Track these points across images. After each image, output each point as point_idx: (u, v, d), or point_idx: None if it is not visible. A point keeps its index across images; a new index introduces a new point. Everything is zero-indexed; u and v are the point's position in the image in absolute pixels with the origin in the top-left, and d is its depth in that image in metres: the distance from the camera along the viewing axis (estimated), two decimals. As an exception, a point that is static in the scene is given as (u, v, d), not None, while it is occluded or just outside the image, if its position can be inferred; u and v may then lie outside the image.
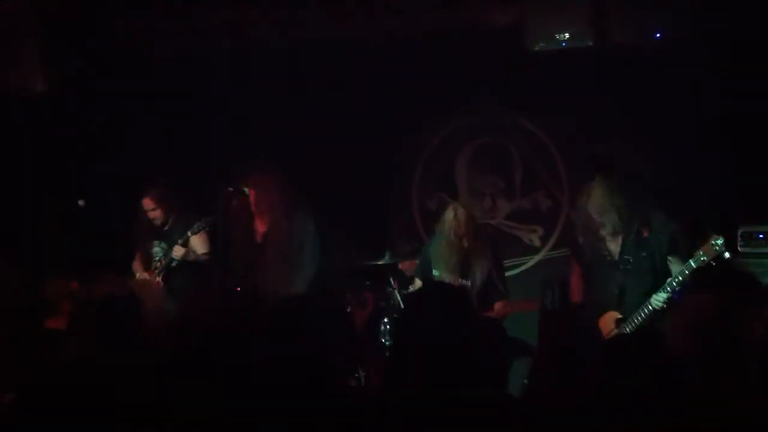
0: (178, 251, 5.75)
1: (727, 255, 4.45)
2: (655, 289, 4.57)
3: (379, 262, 5.69)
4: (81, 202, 5.44)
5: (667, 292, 4.51)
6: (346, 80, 6.68)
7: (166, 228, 5.95)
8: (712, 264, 4.41)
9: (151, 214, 5.90)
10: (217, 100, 6.63)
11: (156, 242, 5.95)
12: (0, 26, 5.66)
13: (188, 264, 5.82)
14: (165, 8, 6.24)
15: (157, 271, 5.85)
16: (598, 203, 4.77)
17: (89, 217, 5.65)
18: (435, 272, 5.28)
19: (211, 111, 6.69)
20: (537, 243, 6.77)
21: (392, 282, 5.57)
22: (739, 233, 5.60)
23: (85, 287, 4.08)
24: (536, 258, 6.75)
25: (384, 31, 6.37)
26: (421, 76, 6.61)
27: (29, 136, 6.40)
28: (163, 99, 6.70)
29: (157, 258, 5.92)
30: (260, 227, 5.48)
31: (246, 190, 5.36)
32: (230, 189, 5.35)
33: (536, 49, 5.63)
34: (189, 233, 5.75)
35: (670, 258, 4.71)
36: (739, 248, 5.54)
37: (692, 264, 4.46)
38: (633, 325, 4.60)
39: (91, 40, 6.12)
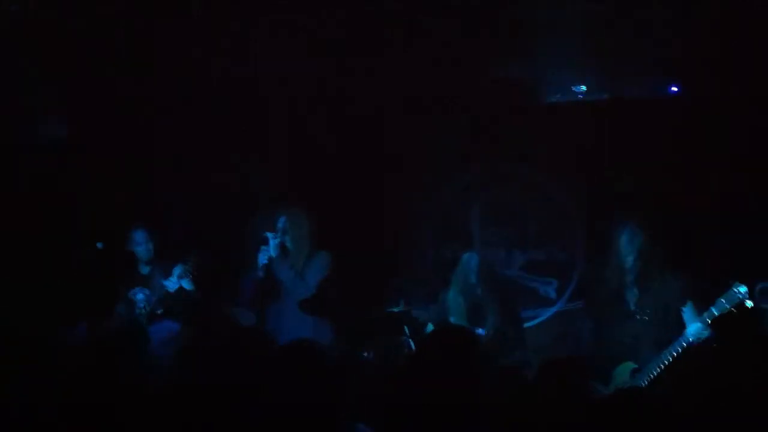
0: (172, 284, 5.61)
1: (749, 303, 4.41)
2: (670, 340, 4.53)
3: (394, 310, 5.68)
4: (99, 245, 5.47)
5: (687, 341, 4.47)
6: (365, 129, 6.77)
7: (149, 271, 5.87)
8: (733, 312, 4.37)
9: (143, 248, 5.80)
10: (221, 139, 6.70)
11: (138, 289, 5.82)
12: (24, 74, 5.79)
13: (178, 311, 5.70)
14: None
15: (142, 317, 5.69)
16: (622, 248, 4.77)
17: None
18: (451, 319, 5.29)
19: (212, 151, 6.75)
20: (552, 295, 6.74)
21: (406, 330, 5.55)
22: (756, 289, 5.56)
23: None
24: (552, 310, 6.71)
25: (403, 83, 6.45)
26: (440, 127, 6.68)
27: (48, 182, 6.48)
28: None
29: (141, 305, 5.77)
30: (296, 268, 5.38)
31: (282, 231, 5.34)
32: (272, 234, 5.31)
33: (553, 101, 5.69)
34: (177, 277, 5.61)
35: (685, 310, 4.68)
36: (757, 304, 5.49)
37: (714, 311, 4.42)
38: (649, 375, 4.55)
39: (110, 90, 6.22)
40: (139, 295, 5.82)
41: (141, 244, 5.83)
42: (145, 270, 5.87)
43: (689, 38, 5.44)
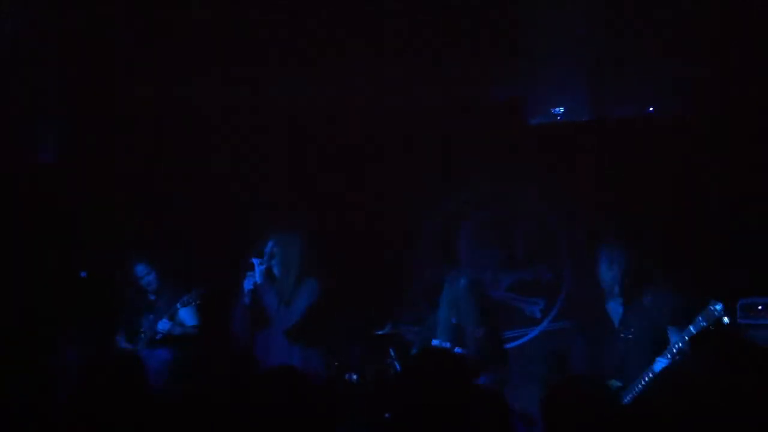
0: (164, 325, 5.68)
1: (726, 320, 4.46)
2: (655, 358, 4.57)
3: (381, 332, 5.71)
4: (83, 274, 5.47)
5: (667, 358, 4.51)
6: (349, 152, 6.82)
7: (153, 299, 5.89)
8: (711, 329, 4.42)
9: (146, 280, 5.86)
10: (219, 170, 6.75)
11: (143, 314, 5.87)
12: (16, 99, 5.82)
13: (174, 338, 5.73)
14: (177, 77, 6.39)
15: (141, 343, 5.75)
16: (605, 268, 4.82)
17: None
18: (437, 340, 5.29)
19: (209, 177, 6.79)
20: (538, 315, 6.78)
21: (392, 352, 5.58)
22: (738, 305, 5.61)
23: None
24: (537, 330, 6.75)
25: (387, 107, 6.52)
26: (424, 150, 6.74)
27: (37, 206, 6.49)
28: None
29: (143, 330, 5.81)
30: (282, 294, 5.32)
31: (269, 256, 5.27)
32: (257, 260, 5.24)
33: (533, 122, 5.76)
34: (178, 305, 5.67)
35: (670, 328, 4.72)
36: (738, 320, 5.54)
37: (692, 330, 4.47)
38: (633, 393, 4.59)
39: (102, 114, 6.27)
40: (142, 320, 5.85)
41: (143, 278, 5.86)
42: (151, 296, 5.90)
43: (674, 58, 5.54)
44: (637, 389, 4.59)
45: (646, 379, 4.55)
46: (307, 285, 5.28)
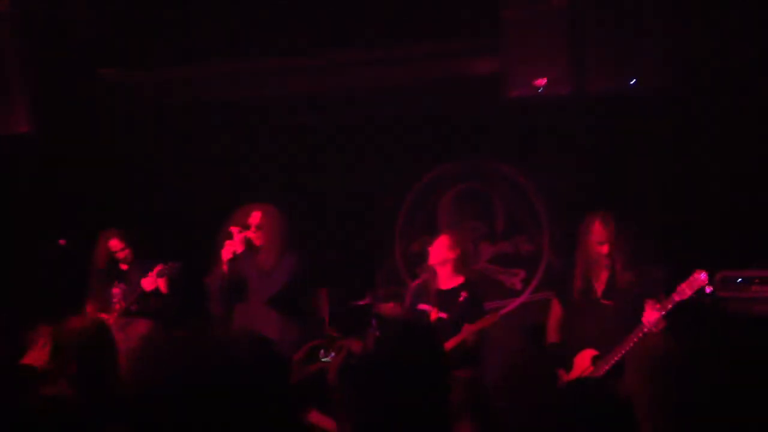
0: (148, 284, 5.66)
1: (709, 290, 4.49)
2: (632, 328, 4.60)
3: (361, 303, 5.72)
4: (62, 242, 5.45)
5: (644, 328, 4.54)
6: (330, 127, 6.82)
7: (126, 270, 5.90)
8: (693, 297, 4.46)
9: (120, 255, 5.87)
10: (198, 146, 6.73)
11: (116, 284, 5.88)
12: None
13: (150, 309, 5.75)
14: (160, 57, 6.35)
15: (116, 313, 5.74)
16: (595, 236, 4.83)
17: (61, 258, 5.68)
18: (421, 305, 5.35)
19: (190, 156, 6.77)
20: (518, 286, 6.82)
21: (373, 323, 5.58)
22: (718, 278, 5.64)
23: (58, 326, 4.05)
24: (517, 301, 6.79)
25: (367, 81, 6.49)
26: (404, 123, 6.74)
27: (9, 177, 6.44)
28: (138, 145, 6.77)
29: (116, 300, 5.82)
30: (264, 265, 5.22)
31: (252, 229, 5.18)
32: (236, 228, 5.15)
33: (515, 95, 5.74)
34: (156, 276, 5.67)
35: (648, 300, 4.75)
36: (717, 292, 5.57)
37: (674, 297, 4.50)
38: (609, 363, 4.63)
39: (79, 84, 6.20)
40: (115, 290, 5.84)
41: (117, 251, 5.86)
42: (123, 267, 5.90)
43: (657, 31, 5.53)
44: (613, 359, 4.63)
45: (624, 348, 4.59)
46: (290, 257, 5.21)
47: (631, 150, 6.29)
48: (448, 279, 5.34)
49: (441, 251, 5.33)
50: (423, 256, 5.71)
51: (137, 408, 2.85)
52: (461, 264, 5.38)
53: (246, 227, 5.17)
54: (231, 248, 5.12)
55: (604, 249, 4.81)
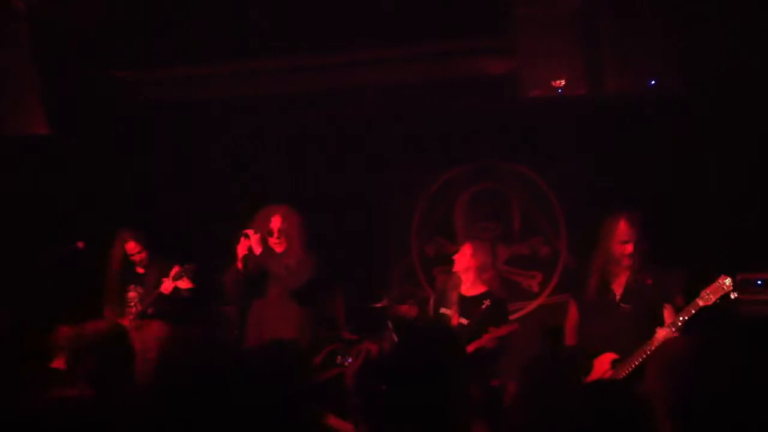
0: (167, 286, 5.67)
1: (734, 295, 4.44)
2: (652, 333, 4.55)
3: (377, 305, 5.71)
4: (80, 245, 5.45)
5: (670, 331, 4.49)
6: (347, 128, 6.79)
7: (143, 273, 5.90)
8: (717, 303, 4.41)
9: (137, 258, 5.88)
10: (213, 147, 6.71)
11: (132, 287, 5.89)
12: (2, 70, 5.75)
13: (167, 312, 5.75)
14: (166, 58, 6.34)
15: (133, 316, 5.75)
16: (615, 237, 4.77)
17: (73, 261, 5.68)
18: (443, 309, 5.35)
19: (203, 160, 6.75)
20: (535, 288, 6.78)
21: (389, 324, 5.57)
22: (737, 279, 5.58)
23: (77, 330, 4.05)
24: (534, 303, 6.75)
25: (383, 80, 6.47)
26: (419, 123, 6.71)
27: (26, 179, 6.44)
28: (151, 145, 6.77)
29: (133, 303, 5.82)
30: (288, 262, 5.28)
31: (275, 235, 5.24)
32: (252, 231, 5.20)
33: (532, 96, 5.71)
34: (172, 279, 5.66)
35: (666, 305, 4.71)
36: (737, 295, 5.52)
37: (699, 303, 4.45)
38: (630, 367, 4.58)
39: (91, 86, 6.20)
40: (131, 294, 5.83)
41: (133, 254, 5.85)
42: (140, 270, 5.91)
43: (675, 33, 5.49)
44: (634, 363, 4.59)
45: (645, 353, 4.55)
46: (308, 260, 5.25)
47: (647, 150, 6.23)
48: (471, 286, 5.36)
49: (465, 259, 5.34)
50: (439, 258, 5.70)
51: (154, 408, 2.86)
52: (484, 272, 5.39)
53: (269, 233, 5.22)
54: (246, 245, 5.17)
55: (628, 248, 4.74)
